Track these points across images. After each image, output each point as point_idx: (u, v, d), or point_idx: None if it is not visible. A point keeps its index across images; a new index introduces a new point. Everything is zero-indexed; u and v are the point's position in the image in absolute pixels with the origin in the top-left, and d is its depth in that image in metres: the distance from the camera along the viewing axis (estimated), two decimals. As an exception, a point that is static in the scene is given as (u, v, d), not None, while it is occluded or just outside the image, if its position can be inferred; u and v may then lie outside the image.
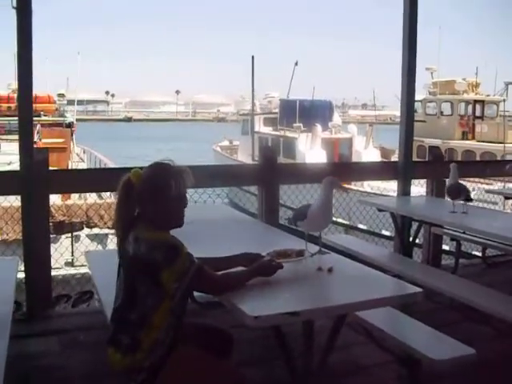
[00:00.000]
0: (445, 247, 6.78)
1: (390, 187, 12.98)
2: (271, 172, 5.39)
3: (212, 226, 4.15)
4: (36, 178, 4.60)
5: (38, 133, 16.70)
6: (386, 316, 3.51)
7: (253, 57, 22.32)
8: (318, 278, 2.89)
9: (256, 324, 2.32)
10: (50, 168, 4.80)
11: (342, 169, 6.65)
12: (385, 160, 17.30)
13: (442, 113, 23.20)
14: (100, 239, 9.89)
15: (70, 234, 9.48)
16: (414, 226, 5.76)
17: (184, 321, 2.62)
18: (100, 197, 12.50)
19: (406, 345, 3.20)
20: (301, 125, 19.72)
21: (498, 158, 17.60)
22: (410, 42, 5.85)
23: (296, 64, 24.39)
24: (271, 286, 2.71)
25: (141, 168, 2.65)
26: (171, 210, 2.60)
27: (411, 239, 5.77)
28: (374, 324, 3.43)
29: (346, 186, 13.96)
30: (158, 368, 2.46)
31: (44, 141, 16.09)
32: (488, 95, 24.04)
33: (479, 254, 7.09)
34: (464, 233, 5.51)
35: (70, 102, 24.89)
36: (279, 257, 2.97)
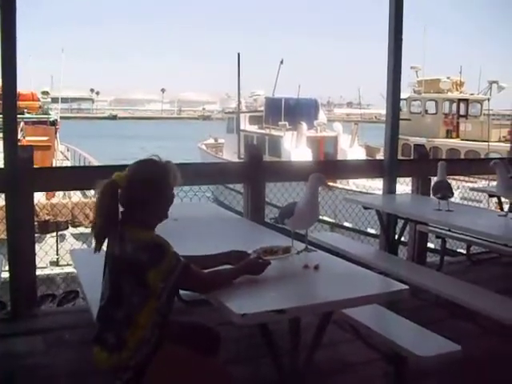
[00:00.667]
0: (429, 245, 6.81)
1: (376, 185, 13.04)
2: (257, 170, 5.38)
3: (197, 224, 4.14)
4: (21, 176, 4.55)
5: (21, 130, 16.56)
6: (372, 313, 3.52)
7: (239, 54, 22.32)
8: (304, 276, 2.89)
9: (243, 322, 2.31)
10: (35, 166, 4.76)
11: (328, 166, 6.65)
12: (370, 158, 17.37)
13: (426, 111, 23.35)
14: (85, 238, 9.84)
15: (54, 233, 9.43)
16: (400, 223, 5.78)
17: (170, 319, 2.61)
18: (84, 195, 12.44)
19: (392, 342, 3.20)
20: (286, 123, 19.76)
21: (482, 157, 17.73)
22: (396, 40, 5.86)
23: (282, 62, 24.43)
24: (258, 283, 2.71)
25: (125, 166, 2.63)
26: (160, 205, 2.59)
27: (397, 237, 5.78)
28: (361, 321, 3.44)
29: (332, 184, 14.03)
30: (144, 366, 2.45)
31: (28, 138, 15.94)
32: (472, 94, 24.21)
33: (463, 251, 7.13)
34: (449, 230, 5.54)
35: (55, 100, 24.71)
36: (266, 254, 2.96)
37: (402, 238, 5.81)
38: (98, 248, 2.57)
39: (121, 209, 2.56)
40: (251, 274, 2.70)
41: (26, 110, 19.54)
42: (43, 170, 5.44)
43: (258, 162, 5.46)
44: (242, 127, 21.39)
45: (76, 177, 5.07)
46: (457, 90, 23.93)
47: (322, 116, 22.33)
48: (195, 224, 4.11)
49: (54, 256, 9.31)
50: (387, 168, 6.13)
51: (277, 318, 2.37)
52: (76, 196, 12.16)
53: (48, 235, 9.16)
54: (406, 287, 2.71)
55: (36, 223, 7.84)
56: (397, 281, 2.97)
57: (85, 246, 9.62)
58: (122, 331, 2.45)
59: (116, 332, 2.47)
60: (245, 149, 6.22)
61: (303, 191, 3.32)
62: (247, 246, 3.03)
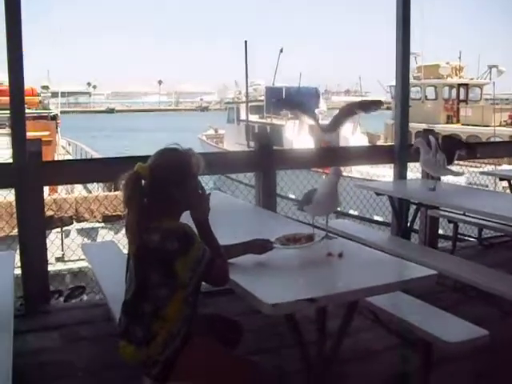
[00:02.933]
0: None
1: (380, 172, 12.98)
2: (268, 158, 5.33)
3: (213, 214, 4.07)
4: (30, 170, 4.51)
5: (22, 125, 16.46)
6: (393, 299, 3.46)
7: (246, 41, 21.93)
8: (329, 264, 2.84)
9: (274, 311, 2.26)
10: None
11: (340, 153, 6.57)
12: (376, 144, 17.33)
13: (426, 97, 23.30)
14: (89, 233, 9.77)
15: (59, 229, 9.36)
16: (412, 210, 5.74)
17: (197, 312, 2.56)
18: (86, 188, 12.37)
19: (416, 327, 3.15)
20: (288, 112, 19.66)
21: (484, 141, 17.69)
22: (404, 23, 5.80)
23: (281, 51, 24.28)
24: (282, 272, 2.67)
25: (133, 158, 2.57)
26: (185, 193, 2.53)
27: (409, 223, 5.73)
28: (382, 307, 3.39)
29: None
30: (174, 361, 2.39)
31: (29, 134, 15.83)
32: (472, 79, 24.14)
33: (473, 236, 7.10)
34: (464, 214, 5.48)
35: (53, 95, 24.66)
36: (289, 242, 2.92)
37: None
38: (137, 242, 2.46)
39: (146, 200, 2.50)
40: (254, 253, 2.71)
41: (26, 106, 19.42)
42: (52, 163, 5.39)
43: (269, 150, 5.40)
44: (242, 117, 21.30)
45: (85, 170, 5.01)
46: (456, 75, 23.86)
47: (323, 104, 22.26)
48: (211, 214, 4.03)
49: (60, 252, 9.24)
50: (398, 154, 6.09)
51: (308, 306, 2.32)
52: (76, 190, 12.11)
53: (52, 231, 9.06)
54: (435, 272, 2.66)
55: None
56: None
57: (89, 241, 9.56)
58: (151, 324, 2.40)
59: (144, 325, 2.41)
60: (253, 138, 6.16)
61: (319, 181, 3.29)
62: (265, 234, 2.96)
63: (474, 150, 5.72)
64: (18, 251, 4.58)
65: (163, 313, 2.39)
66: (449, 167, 5.11)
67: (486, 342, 3.03)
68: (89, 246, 5.81)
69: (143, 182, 2.49)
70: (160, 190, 2.49)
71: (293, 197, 10.29)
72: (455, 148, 5.17)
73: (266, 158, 5.30)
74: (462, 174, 5.65)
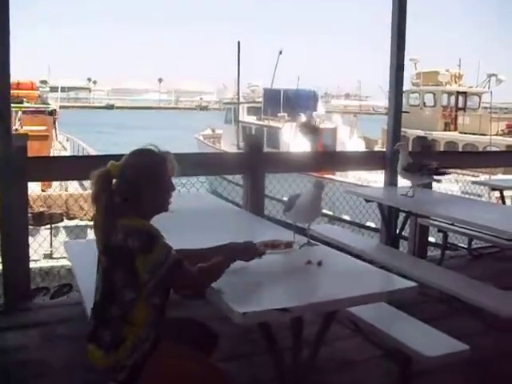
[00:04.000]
0: (430, 239, 6.72)
1: (377, 178, 12.93)
2: (257, 160, 5.27)
3: (195, 216, 4.03)
4: (14, 165, 4.44)
5: (19, 120, 16.45)
6: (374, 309, 3.40)
7: (239, 42, 21.93)
8: (307, 272, 2.78)
9: (244, 321, 2.20)
10: (29, 155, 4.65)
11: (329, 158, 6.54)
12: (370, 150, 17.27)
13: (424, 104, 23.27)
14: (80, 230, 9.70)
15: (48, 226, 9.30)
16: (402, 217, 5.69)
17: (167, 316, 2.51)
18: (82, 186, 12.29)
19: (396, 340, 3.10)
20: (285, 114, 19.63)
21: (480, 150, 17.67)
22: (399, 31, 5.78)
23: (280, 53, 24.21)
24: (259, 279, 2.61)
25: (122, 156, 2.54)
26: (156, 195, 2.50)
27: (398, 230, 5.69)
28: (362, 317, 3.34)
29: (330, 176, 13.91)
30: (141, 366, 2.34)
31: (25, 128, 15.84)
32: (471, 87, 24.11)
33: (465, 246, 7.05)
34: (452, 224, 5.43)
35: (52, 89, 24.58)
36: (267, 247, 2.86)
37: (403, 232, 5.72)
38: (103, 241, 2.44)
39: (116, 199, 2.47)
40: (241, 259, 2.62)
41: (25, 99, 19.41)
42: (37, 159, 5.30)
43: (258, 153, 5.35)
44: (240, 118, 21.23)
45: (71, 167, 4.95)
46: (455, 82, 23.83)
47: (321, 108, 22.20)
48: (193, 216, 3.99)
49: (48, 248, 9.17)
50: (389, 160, 6.03)
51: (280, 316, 2.26)
52: (71, 187, 12.03)
53: (42, 227, 9.01)
54: (415, 285, 2.61)
55: (30, 215, 7.70)
56: (399, 275, 2.88)
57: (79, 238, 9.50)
58: (119, 329, 2.35)
59: (112, 329, 2.37)
60: (244, 139, 6.10)
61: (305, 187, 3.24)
62: (247, 239, 2.86)
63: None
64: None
65: (130, 317, 2.34)
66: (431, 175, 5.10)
67: (466, 357, 2.99)
68: (72, 243, 5.73)
69: (114, 180, 2.46)
70: (129, 190, 2.46)
71: (285, 199, 10.23)
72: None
73: (254, 161, 5.24)
74: (440, 182, 5.59)
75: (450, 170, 7.21)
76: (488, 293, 4.00)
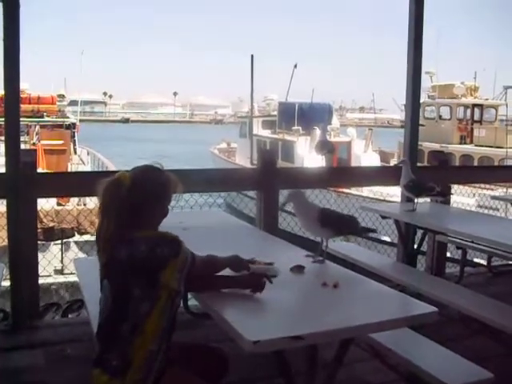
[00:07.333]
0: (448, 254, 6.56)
1: (393, 192, 12.74)
2: (270, 176, 5.15)
3: (207, 234, 3.92)
4: (23, 181, 4.37)
5: (37, 134, 16.48)
6: (392, 332, 3.26)
7: (252, 56, 21.96)
8: (322, 295, 2.65)
9: (255, 349, 2.07)
10: (47, 169, 4.59)
11: (343, 173, 6.41)
12: (387, 165, 17.11)
13: (440, 117, 23.11)
14: (91, 246, 9.62)
15: (59, 241, 9.23)
16: (419, 233, 5.55)
17: (173, 342, 2.40)
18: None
19: (414, 365, 2.97)
20: (300, 128, 19.52)
21: (496, 163, 17.47)
22: (416, 43, 5.66)
23: (295, 66, 24.20)
24: (272, 303, 2.48)
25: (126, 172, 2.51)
26: (156, 213, 2.51)
27: (415, 247, 5.54)
28: (380, 341, 3.21)
29: (346, 190, 13.75)
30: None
31: (43, 142, 15.86)
32: (487, 99, 23.93)
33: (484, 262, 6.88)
34: (472, 242, 5.28)
35: (71, 103, 24.66)
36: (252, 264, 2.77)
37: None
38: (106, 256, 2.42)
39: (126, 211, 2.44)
40: (250, 289, 2.53)
41: (45, 114, 19.48)
42: (47, 175, 5.24)
43: (272, 168, 5.23)
44: (254, 132, 21.14)
45: (80, 182, 4.86)
46: (471, 95, 23.68)
47: (336, 121, 22.10)
48: (205, 233, 3.88)
49: (59, 264, 9.10)
50: (406, 175, 5.86)
51: (293, 344, 2.13)
52: (92, 203, 11.95)
53: (52, 242, 8.94)
54: (435, 309, 2.48)
55: (40, 230, 7.62)
56: (416, 295, 2.75)
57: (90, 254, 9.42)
58: (127, 349, 2.26)
59: (120, 351, 2.28)
60: (258, 154, 5.98)
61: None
62: (257, 256, 2.86)
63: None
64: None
65: (141, 329, 2.28)
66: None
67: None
68: (81, 260, 5.64)
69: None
70: (138, 202, 2.44)
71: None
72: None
73: (268, 177, 5.12)
74: (445, 197, 5.45)
75: (455, 188, 7.12)
76: (508, 313, 3.85)
